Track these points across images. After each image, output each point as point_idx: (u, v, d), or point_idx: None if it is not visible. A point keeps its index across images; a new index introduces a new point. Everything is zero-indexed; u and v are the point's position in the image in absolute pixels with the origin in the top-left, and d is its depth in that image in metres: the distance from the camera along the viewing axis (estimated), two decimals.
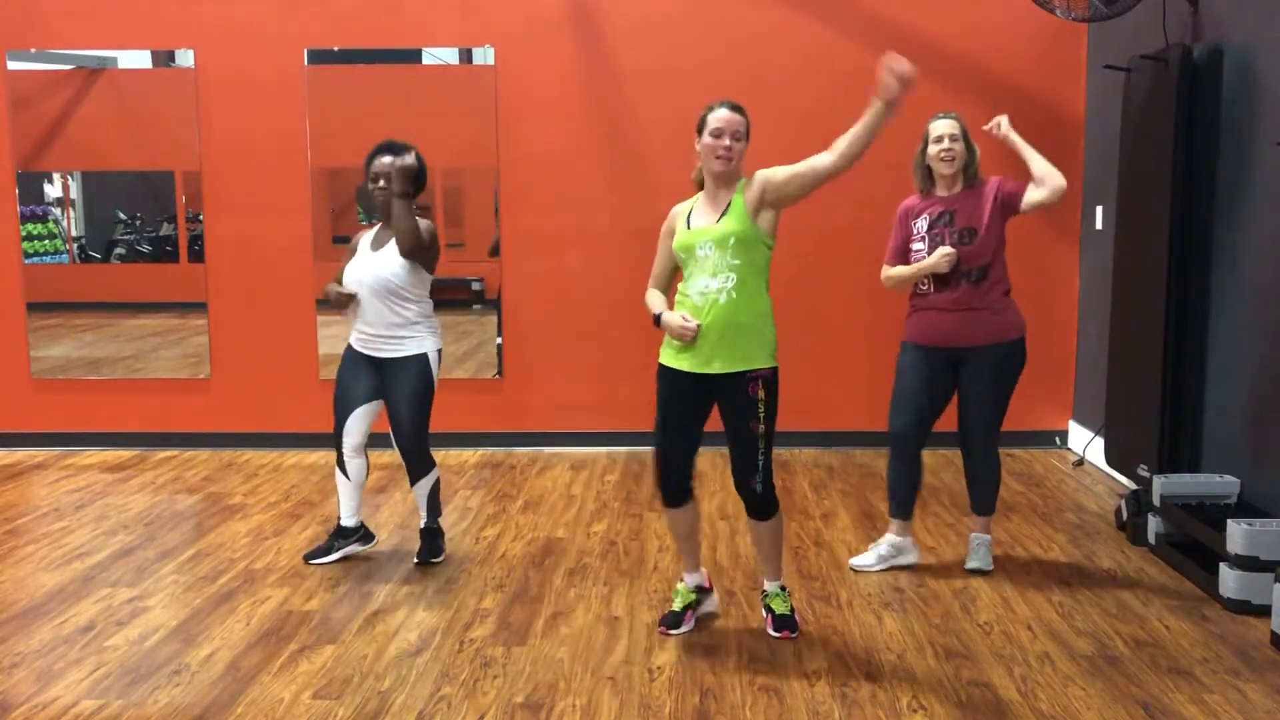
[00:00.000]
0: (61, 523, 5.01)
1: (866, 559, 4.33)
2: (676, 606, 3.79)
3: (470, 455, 6.22)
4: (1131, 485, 4.99)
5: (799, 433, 6.28)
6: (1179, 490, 4.37)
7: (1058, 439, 6.34)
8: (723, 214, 3.52)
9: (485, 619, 3.85)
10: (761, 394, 3.52)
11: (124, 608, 3.97)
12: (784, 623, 3.70)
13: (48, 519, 5.08)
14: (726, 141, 3.48)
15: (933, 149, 4.13)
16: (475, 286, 6.53)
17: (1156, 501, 4.41)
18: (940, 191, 4.18)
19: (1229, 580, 3.85)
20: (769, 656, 3.53)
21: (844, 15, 6.09)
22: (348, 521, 4.44)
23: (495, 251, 6.31)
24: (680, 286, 3.61)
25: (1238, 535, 3.81)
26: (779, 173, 3.50)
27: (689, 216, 3.60)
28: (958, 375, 4.20)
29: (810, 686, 3.32)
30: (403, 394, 4.26)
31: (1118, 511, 4.81)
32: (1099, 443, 5.59)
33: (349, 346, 4.37)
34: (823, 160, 3.44)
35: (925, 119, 4.22)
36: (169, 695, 3.29)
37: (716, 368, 3.51)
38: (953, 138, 4.09)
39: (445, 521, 4.92)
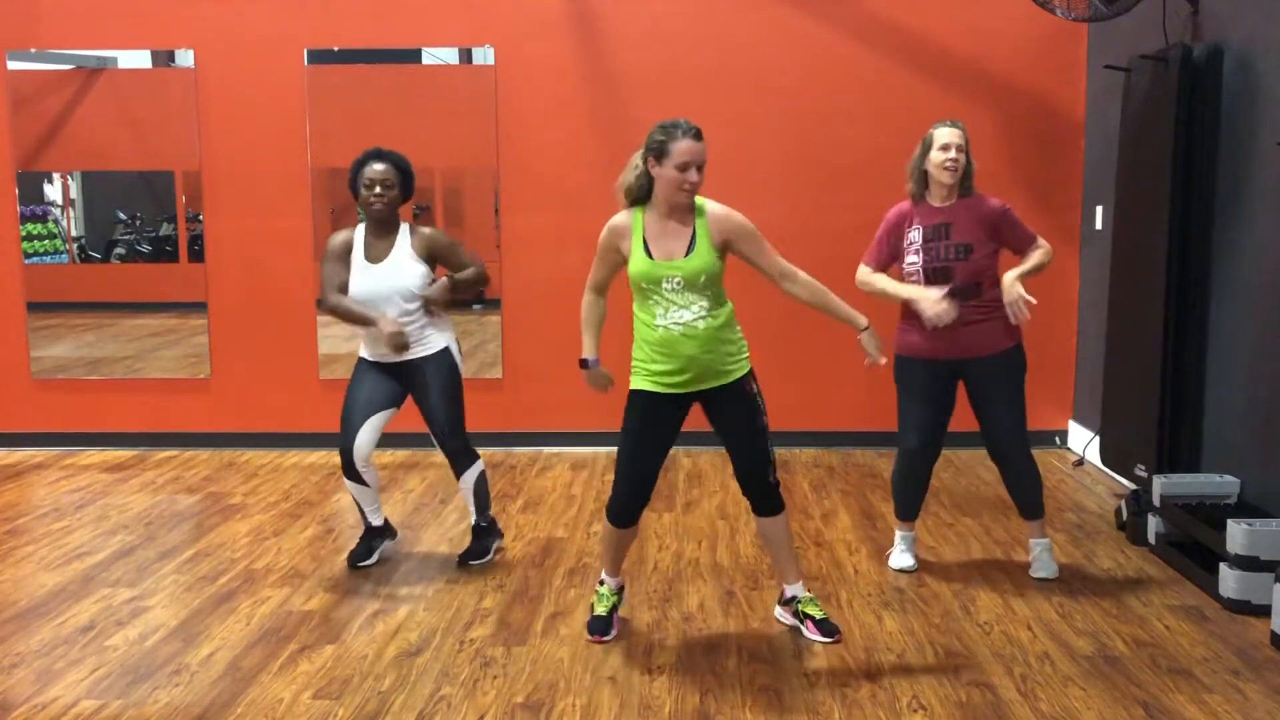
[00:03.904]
0: (61, 523, 5.01)
1: (907, 560, 4.33)
2: (602, 611, 3.71)
3: None
4: (1130, 485, 4.99)
5: (799, 433, 6.28)
6: (1179, 490, 4.37)
7: (1058, 439, 6.34)
8: (690, 248, 3.42)
9: (485, 619, 3.84)
10: (755, 388, 3.57)
11: (124, 608, 3.97)
12: (828, 627, 3.63)
13: (48, 519, 5.08)
14: (694, 176, 3.36)
15: (937, 156, 4.00)
16: None
17: (1156, 501, 4.41)
18: (934, 201, 4.07)
19: (1229, 580, 3.85)
20: (769, 656, 3.53)
21: (844, 16, 6.09)
22: (377, 521, 4.43)
23: None
24: (643, 316, 3.52)
25: (1238, 535, 3.81)
26: (750, 237, 3.47)
27: (644, 243, 3.45)
28: (965, 385, 4.12)
29: (810, 686, 3.32)
30: (436, 392, 4.25)
31: (1118, 511, 4.81)
32: (1098, 442, 5.59)
33: (361, 359, 4.32)
34: (784, 269, 3.50)
35: (926, 120, 4.18)
36: (169, 695, 3.29)
37: (711, 383, 3.50)
38: (959, 148, 3.98)
39: (445, 522, 4.91)
